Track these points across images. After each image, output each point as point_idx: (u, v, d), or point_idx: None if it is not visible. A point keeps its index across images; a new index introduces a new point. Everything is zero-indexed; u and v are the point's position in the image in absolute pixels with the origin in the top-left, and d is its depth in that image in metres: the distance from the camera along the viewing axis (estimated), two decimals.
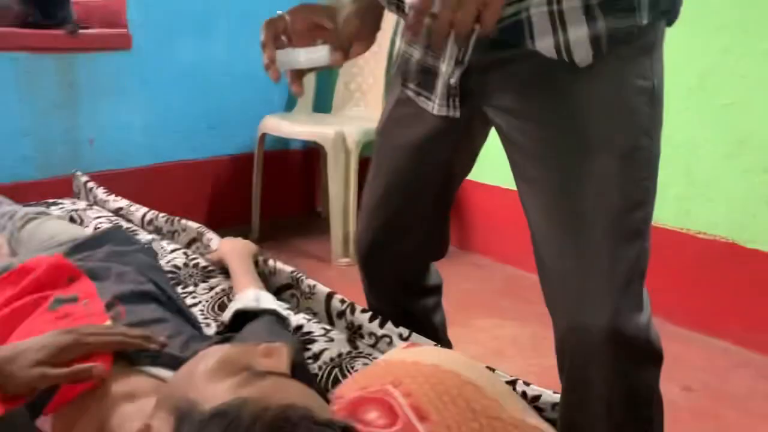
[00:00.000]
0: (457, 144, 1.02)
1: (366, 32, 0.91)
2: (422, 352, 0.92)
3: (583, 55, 0.79)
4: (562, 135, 0.84)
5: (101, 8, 2.42)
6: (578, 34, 0.78)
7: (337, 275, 2.39)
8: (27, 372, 0.76)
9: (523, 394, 0.95)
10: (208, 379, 0.63)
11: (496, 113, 0.88)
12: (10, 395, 0.76)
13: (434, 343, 1.05)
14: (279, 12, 0.88)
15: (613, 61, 0.81)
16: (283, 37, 0.89)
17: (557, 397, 0.94)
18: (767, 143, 1.86)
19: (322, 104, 2.86)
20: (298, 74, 0.89)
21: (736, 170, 1.93)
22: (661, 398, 0.93)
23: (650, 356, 0.87)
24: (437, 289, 1.26)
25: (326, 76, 2.89)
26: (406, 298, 1.22)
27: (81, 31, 2.25)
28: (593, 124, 0.83)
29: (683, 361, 1.90)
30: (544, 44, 0.80)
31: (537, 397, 0.96)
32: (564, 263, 0.86)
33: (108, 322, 0.93)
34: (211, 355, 0.67)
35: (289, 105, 2.86)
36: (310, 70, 0.89)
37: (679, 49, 1.97)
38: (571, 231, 0.85)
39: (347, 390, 0.86)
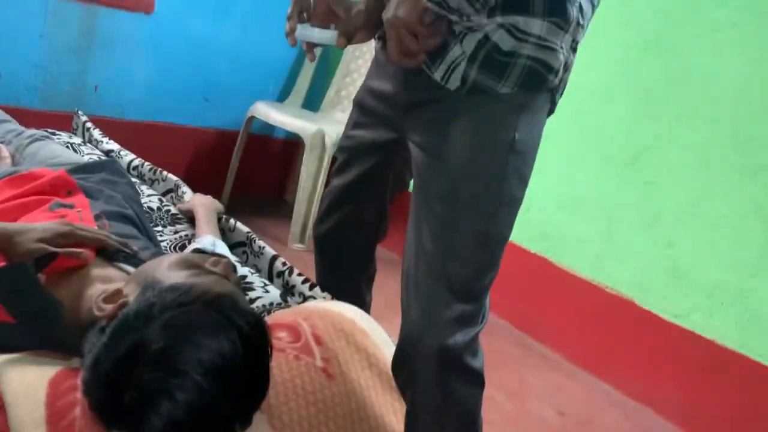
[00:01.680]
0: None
1: (370, 26, 1.10)
2: (334, 304, 1.17)
3: (453, 81, 0.99)
4: (435, 160, 1.02)
5: None
6: (460, 67, 0.99)
7: (291, 258, 2.58)
8: (31, 244, 0.99)
9: None
10: (169, 268, 0.88)
11: (411, 144, 1.11)
12: (13, 259, 0.99)
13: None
14: None
15: (484, 115, 1.00)
16: (305, 14, 1.10)
17: None
18: (674, 223, 2.16)
19: (312, 103, 3.11)
20: (310, 46, 1.13)
21: (647, 240, 2.23)
22: (477, 417, 1.04)
23: (466, 372, 1.00)
24: (374, 275, 1.46)
25: (321, 79, 3.15)
26: (351, 278, 1.40)
27: None
28: (457, 158, 1.00)
29: (565, 391, 2.18)
30: (440, 72, 1.00)
31: None
32: (407, 273, 1.03)
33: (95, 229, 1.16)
34: (175, 255, 0.91)
35: (282, 96, 3.11)
36: (319, 45, 1.13)
37: (624, 126, 2.29)
38: (419, 247, 1.01)
39: (269, 319, 1.11)
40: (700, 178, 2.11)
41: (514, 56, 0.97)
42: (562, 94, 1.08)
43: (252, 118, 2.86)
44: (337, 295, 1.36)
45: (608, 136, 2.32)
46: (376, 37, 1.19)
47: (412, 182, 1.13)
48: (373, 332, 1.09)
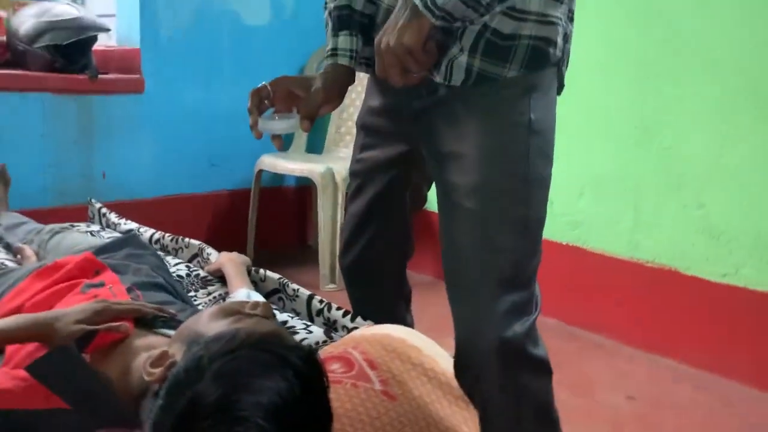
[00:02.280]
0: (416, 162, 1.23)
1: (331, 100, 1.11)
2: (379, 327, 1.15)
3: (457, 76, 0.99)
4: (454, 158, 1.01)
5: (118, 56, 2.70)
6: (460, 60, 0.99)
7: (326, 299, 2.60)
8: (70, 327, 0.99)
9: None
10: (209, 320, 0.87)
11: (425, 152, 1.11)
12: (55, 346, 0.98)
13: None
14: (263, 82, 1.11)
15: (495, 102, 0.99)
16: (267, 102, 1.10)
17: None
18: (700, 182, 2.12)
19: (315, 146, 3.13)
20: (276, 136, 1.14)
21: (676, 205, 2.19)
22: (551, 408, 1.01)
23: (531, 362, 0.97)
24: (409, 294, 1.43)
25: (319, 122, 3.16)
26: (388, 303, 1.37)
27: (100, 76, 2.52)
28: (477, 150, 0.99)
29: (629, 376, 2.12)
30: (441, 74, 1.00)
31: None
32: (451, 275, 1.01)
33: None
34: (213, 307, 0.90)
35: (285, 147, 3.12)
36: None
37: (625, 97, 2.27)
38: (456, 245, 1.00)
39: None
40: (717, 132, 2.07)
41: (515, 38, 0.97)
42: (567, 65, 1.07)
43: (261, 171, 2.88)
44: (379, 321, 1.33)
45: (615, 111, 2.29)
46: (361, 63, 1.18)
47: (434, 190, 1.11)
48: (426, 347, 1.07)
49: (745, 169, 2.03)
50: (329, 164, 2.72)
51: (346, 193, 2.70)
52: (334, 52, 1.12)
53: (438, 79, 1.00)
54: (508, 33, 0.97)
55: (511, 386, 0.95)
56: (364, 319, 1.36)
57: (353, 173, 1.30)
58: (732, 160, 2.05)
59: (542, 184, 1.02)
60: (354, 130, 3.01)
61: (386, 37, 0.96)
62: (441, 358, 1.06)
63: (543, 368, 1.00)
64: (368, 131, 1.24)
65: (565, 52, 1.04)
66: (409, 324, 1.39)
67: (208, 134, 2.88)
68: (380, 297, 1.36)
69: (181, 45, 2.74)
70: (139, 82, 2.64)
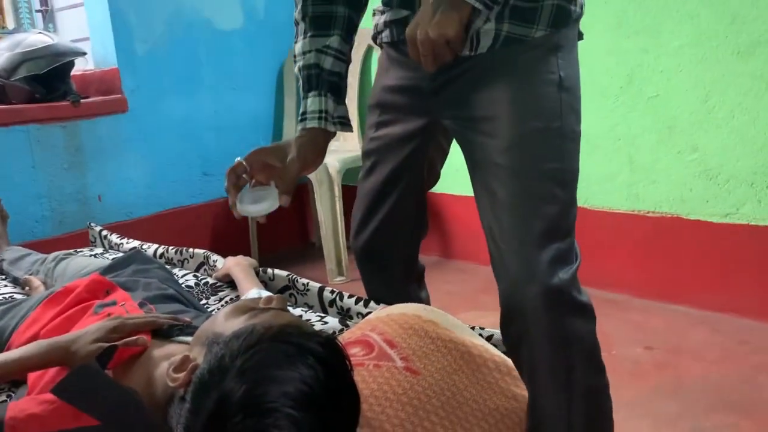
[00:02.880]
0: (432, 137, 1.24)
1: (308, 166, 1.13)
2: (393, 307, 1.16)
3: (484, 43, 1.02)
4: (486, 120, 1.03)
5: (98, 78, 2.70)
6: (486, 28, 1.02)
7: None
8: (88, 347, 1.00)
9: (479, 336, 1.19)
10: (226, 319, 0.87)
11: (448, 121, 1.12)
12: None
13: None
14: (238, 159, 1.10)
15: (524, 62, 1.03)
16: (245, 176, 1.10)
17: None
18: (691, 127, 2.13)
19: None
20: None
21: (670, 153, 2.19)
22: (599, 353, 1.03)
23: (577, 308, 0.99)
24: (422, 272, 1.44)
25: None
26: (402, 283, 1.37)
27: (82, 100, 2.52)
28: (510, 108, 1.02)
29: (645, 326, 2.13)
30: (465, 48, 1.03)
31: (490, 336, 1.20)
32: (491, 231, 1.03)
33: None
34: (227, 307, 0.91)
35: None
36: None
37: (608, 53, 2.27)
38: (495, 201, 1.02)
39: None
40: (700, 74, 2.08)
41: (539, 0, 1.00)
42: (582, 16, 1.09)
43: None
44: (393, 302, 1.31)
45: (596, 67, 2.29)
46: (380, 43, 1.20)
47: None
48: (442, 320, 1.07)
49: (733, 108, 2.03)
50: None
51: (344, 188, 2.72)
52: (303, 116, 1.13)
53: (465, 52, 1.03)
54: None
55: (560, 332, 0.97)
56: (377, 303, 1.36)
57: (367, 152, 1.27)
58: (719, 101, 2.06)
59: (575, 138, 1.05)
60: None
61: (424, 27, 0.96)
62: (457, 328, 1.07)
63: (589, 313, 1.01)
64: (384, 108, 1.22)
65: (582, 7, 1.07)
66: (425, 300, 1.40)
67: (198, 144, 2.88)
68: (394, 278, 1.35)
69: (159, 58, 2.73)
70: (122, 101, 2.64)
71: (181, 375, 0.85)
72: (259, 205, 1.08)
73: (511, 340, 1.02)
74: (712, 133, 2.09)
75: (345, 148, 2.93)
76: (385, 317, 1.09)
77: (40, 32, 2.54)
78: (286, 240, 3.21)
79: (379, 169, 1.24)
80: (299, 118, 1.14)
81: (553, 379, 0.98)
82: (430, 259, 2.78)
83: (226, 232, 2.98)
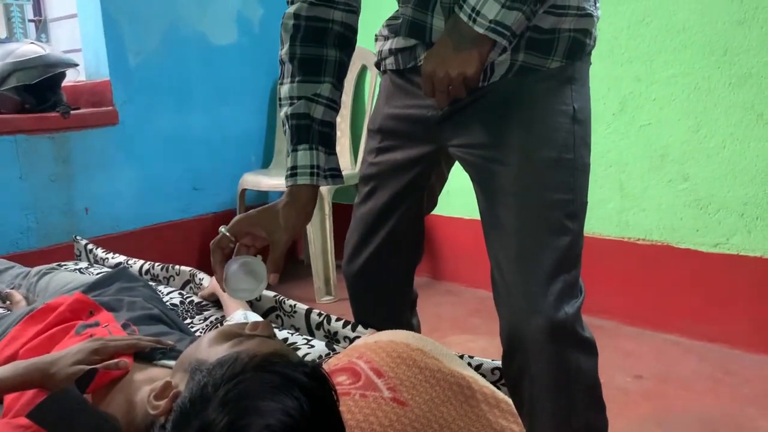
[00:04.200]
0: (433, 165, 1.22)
1: (298, 232, 1.08)
2: (381, 334, 1.14)
3: (498, 72, 1.01)
4: (497, 148, 1.03)
5: (88, 90, 2.68)
6: (501, 59, 1.01)
7: (324, 311, 2.59)
8: (68, 369, 0.97)
9: (468, 365, 1.17)
10: (209, 345, 0.85)
11: (456, 149, 1.10)
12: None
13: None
14: (221, 230, 1.05)
15: (538, 92, 1.02)
16: (231, 244, 1.05)
17: (496, 363, 1.16)
18: (682, 156, 2.13)
19: None
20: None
21: (661, 181, 2.20)
22: (600, 390, 1.03)
23: (580, 343, 0.98)
24: (415, 300, 1.41)
25: None
26: (395, 308, 1.34)
27: (72, 112, 2.50)
28: (523, 137, 1.01)
29: (635, 355, 2.12)
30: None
31: (479, 366, 1.18)
32: (498, 260, 1.01)
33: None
34: (212, 332, 0.88)
35: (266, 162, 3.12)
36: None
37: (601, 80, 2.28)
38: (502, 230, 1.01)
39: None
40: (692, 104, 2.09)
41: (555, 32, 1.00)
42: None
43: (244, 190, 2.86)
44: (382, 328, 1.28)
45: (593, 94, 2.28)
46: (385, 70, 1.19)
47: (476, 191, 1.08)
48: (430, 349, 1.05)
49: (725, 138, 2.04)
50: None
51: (334, 206, 2.70)
52: (293, 171, 1.08)
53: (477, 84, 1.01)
54: (548, 28, 1.00)
55: (563, 367, 0.95)
56: (366, 327, 1.34)
57: (365, 177, 1.25)
58: (710, 131, 2.06)
59: (585, 171, 1.04)
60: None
61: (443, 66, 0.95)
62: (446, 358, 1.05)
63: (592, 349, 1.00)
64: (386, 134, 1.20)
65: (596, 39, 1.07)
66: (415, 327, 1.38)
67: (188, 158, 2.86)
68: (386, 303, 1.33)
69: (151, 72, 2.72)
70: (113, 113, 2.62)
71: (162, 402, 0.82)
72: (247, 283, 1.02)
73: (513, 373, 1.00)
74: (703, 162, 2.09)
75: None
76: (372, 344, 1.07)
77: (32, 42, 2.52)
78: None
79: (378, 194, 1.22)
80: (288, 172, 1.08)
81: (553, 415, 0.96)
82: (419, 280, 2.75)
83: None
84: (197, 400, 0.76)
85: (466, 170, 1.12)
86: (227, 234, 1.05)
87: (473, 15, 0.92)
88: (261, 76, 3.07)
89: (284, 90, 1.11)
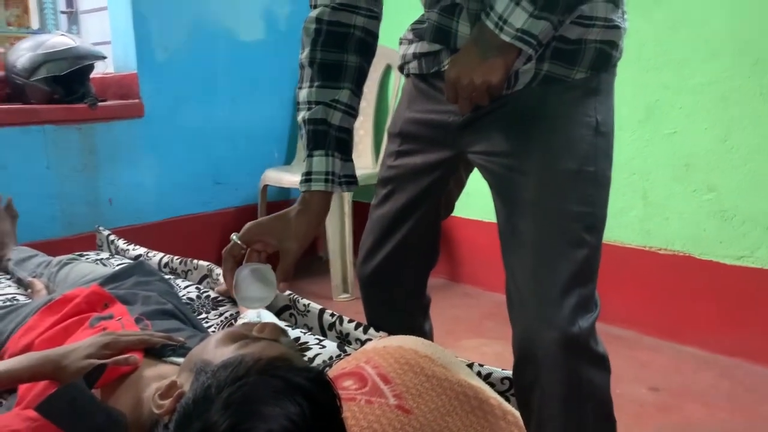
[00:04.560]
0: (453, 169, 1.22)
1: (309, 241, 1.07)
2: (391, 339, 1.14)
3: (522, 80, 1.01)
4: (518, 157, 1.02)
5: (116, 82, 2.71)
6: (526, 68, 1.00)
7: (339, 309, 2.57)
8: (79, 363, 0.98)
9: (478, 374, 1.16)
10: (216, 346, 0.85)
11: (475, 156, 1.09)
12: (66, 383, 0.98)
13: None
14: (233, 237, 1.05)
15: (561, 102, 1.01)
16: (242, 251, 1.05)
17: (506, 372, 1.15)
18: (708, 165, 2.09)
19: None
20: None
21: (686, 191, 2.16)
22: (611, 406, 1.02)
23: (594, 359, 0.97)
24: (428, 304, 1.41)
25: None
26: (407, 312, 1.34)
27: (99, 103, 2.53)
28: (544, 147, 1.00)
29: (652, 365, 2.09)
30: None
31: (489, 375, 1.17)
32: (513, 270, 1.00)
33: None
34: (219, 333, 0.89)
35: (288, 158, 3.13)
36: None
37: (627, 86, 2.25)
38: (520, 239, 1.00)
39: (331, 372, 1.08)
40: (720, 113, 2.05)
41: (581, 43, 0.99)
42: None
43: (266, 186, 2.88)
44: (394, 332, 1.29)
45: (619, 100, 2.25)
46: (408, 73, 1.18)
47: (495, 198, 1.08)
48: (438, 356, 1.05)
49: (751, 149, 2.00)
50: None
51: (354, 204, 2.70)
52: (308, 177, 1.07)
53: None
54: (575, 38, 0.99)
55: (575, 382, 0.94)
56: (377, 330, 1.34)
57: (383, 180, 1.25)
58: (737, 141, 2.02)
59: (606, 184, 1.03)
60: (356, 139, 3.01)
61: (468, 73, 0.94)
62: (454, 366, 1.05)
63: (605, 365, 0.99)
64: (406, 138, 1.20)
65: (622, 51, 1.06)
66: (427, 332, 1.38)
67: (211, 153, 2.89)
68: (399, 308, 1.32)
69: (178, 66, 2.74)
70: (139, 106, 2.65)
71: (167, 402, 0.83)
72: (258, 291, 1.02)
73: (523, 384, 1.00)
74: (729, 173, 2.05)
75: (358, 164, 2.91)
76: (381, 349, 1.07)
77: (62, 34, 2.56)
78: None
79: (395, 197, 1.22)
80: (303, 177, 1.08)
81: (563, 429, 0.96)
82: (436, 281, 2.76)
83: None
84: (200, 402, 0.77)
85: (485, 177, 1.11)
86: (238, 242, 1.05)
87: (500, 23, 0.91)
88: (286, 72, 3.08)
89: (303, 94, 1.11)
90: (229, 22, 2.87)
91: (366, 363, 1.03)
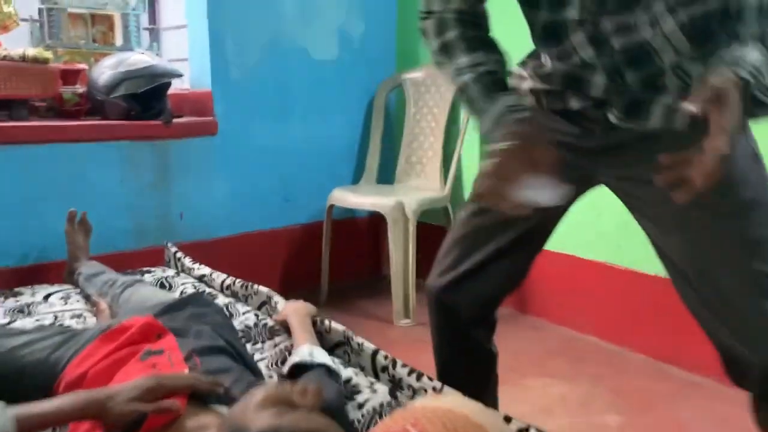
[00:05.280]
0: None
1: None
2: (443, 398, 1.08)
3: (680, 122, 1.04)
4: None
5: (192, 99, 2.77)
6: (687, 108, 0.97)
7: (399, 335, 2.55)
8: (124, 406, 0.98)
9: None
10: (255, 410, 0.82)
11: (619, 182, 1.15)
12: (109, 424, 0.98)
13: (459, 393, 1.20)
14: (501, 146, 0.97)
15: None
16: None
17: None
18: None
19: (386, 176, 3.10)
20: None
21: None
22: None
23: None
24: (495, 324, 1.39)
25: (389, 151, 3.14)
26: (473, 332, 1.33)
27: (174, 120, 2.59)
28: (721, 183, 0.96)
29: (731, 421, 1.93)
30: (655, 119, 1.06)
31: None
32: (709, 301, 1.08)
33: (186, 371, 1.14)
34: (260, 392, 0.86)
35: (356, 178, 3.12)
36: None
37: None
38: (706, 269, 1.07)
39: (376, 430, 1.03)
40: None
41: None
42: None
43: (332, 206, 2.87)
44: (459, 354, 1.29)
45: None
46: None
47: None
48: (491, 426, 0.98)
49: None
50: (399, 197, 2.67)
51: (418, 226, 2.66)
52: (513, 109, 1.03)
53: (652, 125, 1.06)
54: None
55: None
56: (440, 356, 1.32)
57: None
58: None
59: None
60: (424, 160, 2.96)
61: (717, 141, 0.89)
62: None
63: None
64: None
65: None
66: (495, 354, 1.38)
67: (281, 170, 2.91)
68: (467, 324, 1.30)
69: (252, 84, 2.78)
70: (212, 123, 2.69)
71: None
72: (543, 195, 0.96)
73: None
74: None
75: (426, 186, 2.87)
76: (430, 412, 1.01)
77: (142, 52, 2.64)
78: (358, 270, 3.18)
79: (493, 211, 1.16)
80: (506, 110, 1.03)
81: None
82: (502, 310, 2.66)
83: (299, 259, 2.98)
84: None
85: (627, 203, 1.16)
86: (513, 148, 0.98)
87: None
88: (359, 92, 3.07)
89: (463, 61, 1.10)
90: (303, 41, 2.89)
91: (413, 426, 0.97)
